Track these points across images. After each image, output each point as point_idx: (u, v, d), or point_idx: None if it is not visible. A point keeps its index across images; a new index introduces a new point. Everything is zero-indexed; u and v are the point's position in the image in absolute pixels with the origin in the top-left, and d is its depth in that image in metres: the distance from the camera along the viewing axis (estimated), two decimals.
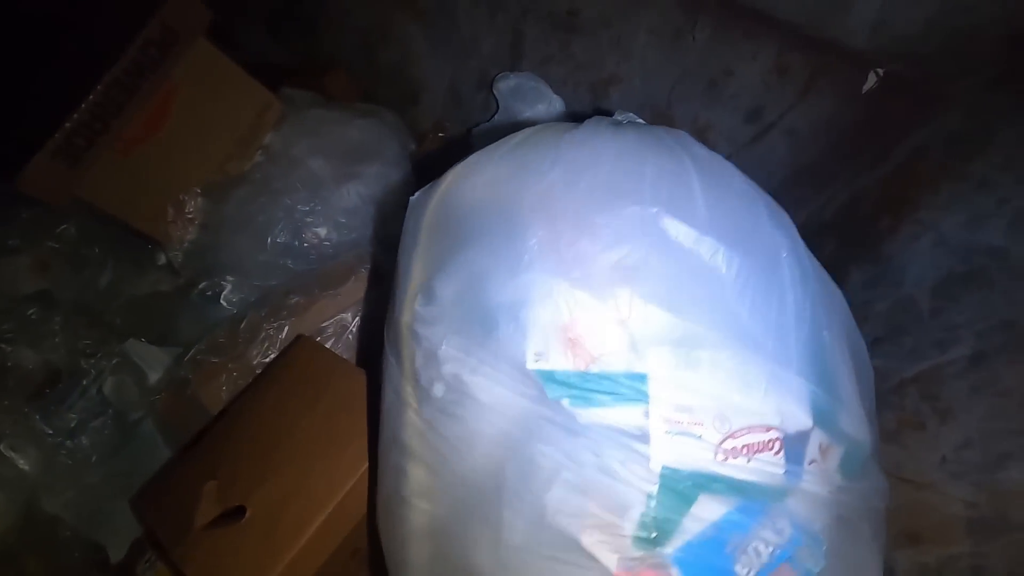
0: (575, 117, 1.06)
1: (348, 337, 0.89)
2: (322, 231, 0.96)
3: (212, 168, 0.94)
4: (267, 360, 0.83)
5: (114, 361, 0.88)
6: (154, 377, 0.88)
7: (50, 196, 0.80)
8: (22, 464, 0.80)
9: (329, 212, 0.96)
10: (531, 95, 1.05)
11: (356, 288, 0.91)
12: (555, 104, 1.04)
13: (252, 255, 0.94)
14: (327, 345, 0.89)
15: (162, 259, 1.07)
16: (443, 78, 1.25)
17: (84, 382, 0.86)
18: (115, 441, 0.85)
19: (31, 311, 0.83)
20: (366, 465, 0.59)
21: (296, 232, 0.94)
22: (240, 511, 0.58)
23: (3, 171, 0.78)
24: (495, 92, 1.11)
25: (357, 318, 0.90)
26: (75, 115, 0.78)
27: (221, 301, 0.96)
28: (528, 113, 1.04)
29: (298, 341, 0.74)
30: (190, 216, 0.94)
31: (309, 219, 0.95)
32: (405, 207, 0.62)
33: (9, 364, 0.80)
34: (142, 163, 0.87)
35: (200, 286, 0.95)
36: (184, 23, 0.85)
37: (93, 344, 0.88)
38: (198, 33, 0.87)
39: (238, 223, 0.93)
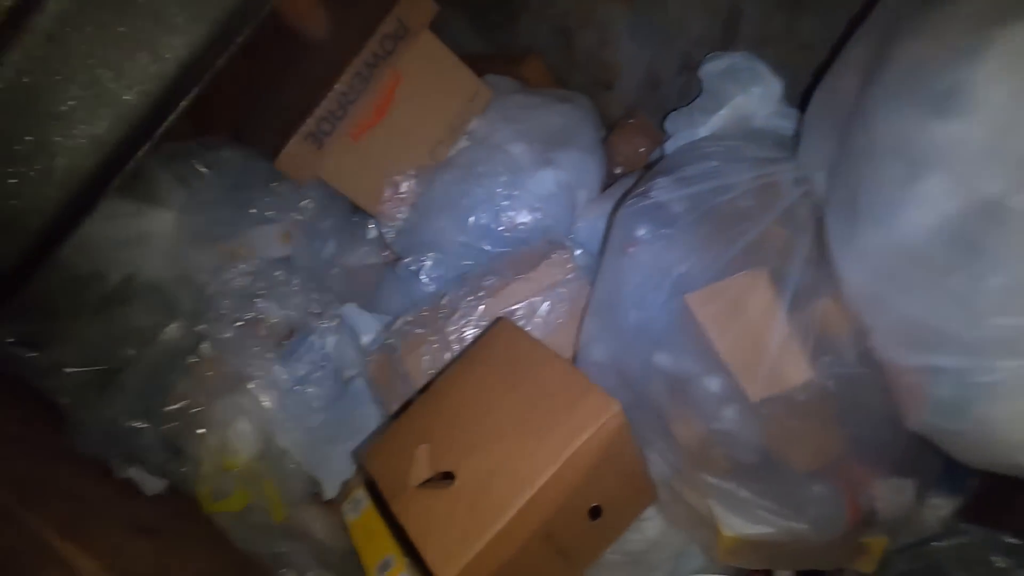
0: (793, 101, 0.96)
1: (536, 320, 0.91)
2: (518, 216, 0.98)
3: (424, 152, 1.01)
4: (464, 334, 0.88)
5: (335, 322, 1.00)
6: (366, 339, 0.98)
7: (298, 174, 0.92)
8: (265, 402, 0.95)
9: (526, 197, 0.98)
10: (745, 76, 0.96)
11: (547, 273, 0.92)
12: (773, 87, 0.94)
13: (453, 236, 0.99)
14: None
15: (372, 234, 1.19)
16: (640, 63, 1.20)
17: (311, 338, 0.99)
18: (333, 393, 0.96)
19: (278, 273, 0.97)
20: (568, 454, 0.59)
21: (495, 215, 0.97)
22: (449, 476, 0.61)
23: (266, 152, 0.92)
24: (701, 75, 1.04)
25: (547, 303, 0.91)
26: (324, 102, 0.88)
27: (422, 276, 1.03)
28: (740, 96, 0.96)
29: (499, 324, 0.77)
30: (403, 197, 1.02)
31: (507, 203, 0.98)
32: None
33: (261, 317, 0.94)
34: (368, 147, 0.97)
35: (405, 261, 1.04)
36: (414, 17, 0.91)
37: (320, 306, 1.00)
38: (424, 25, 0.93)
39: (443, 204, 0.99)
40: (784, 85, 0.94)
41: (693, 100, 1.08)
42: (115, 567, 0.45)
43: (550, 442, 0.60)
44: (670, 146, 1.01)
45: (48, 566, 0.40)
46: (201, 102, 0.63)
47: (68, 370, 0.87)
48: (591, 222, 1.06)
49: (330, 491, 0.91)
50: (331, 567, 0.79)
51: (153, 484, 0.80)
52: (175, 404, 0.87)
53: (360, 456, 0.67)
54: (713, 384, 0.66)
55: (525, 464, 0.59)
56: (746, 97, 0.96)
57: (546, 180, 1.01)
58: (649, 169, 1.04)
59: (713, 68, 1.01)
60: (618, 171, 1.25)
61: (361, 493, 0.92)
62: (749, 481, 0.69)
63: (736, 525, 0.72)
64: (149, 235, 0.95)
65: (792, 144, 0.85)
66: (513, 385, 0.66)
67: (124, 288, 0.93)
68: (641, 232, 0.83)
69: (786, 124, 0.94)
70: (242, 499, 0.86)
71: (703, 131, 0.97)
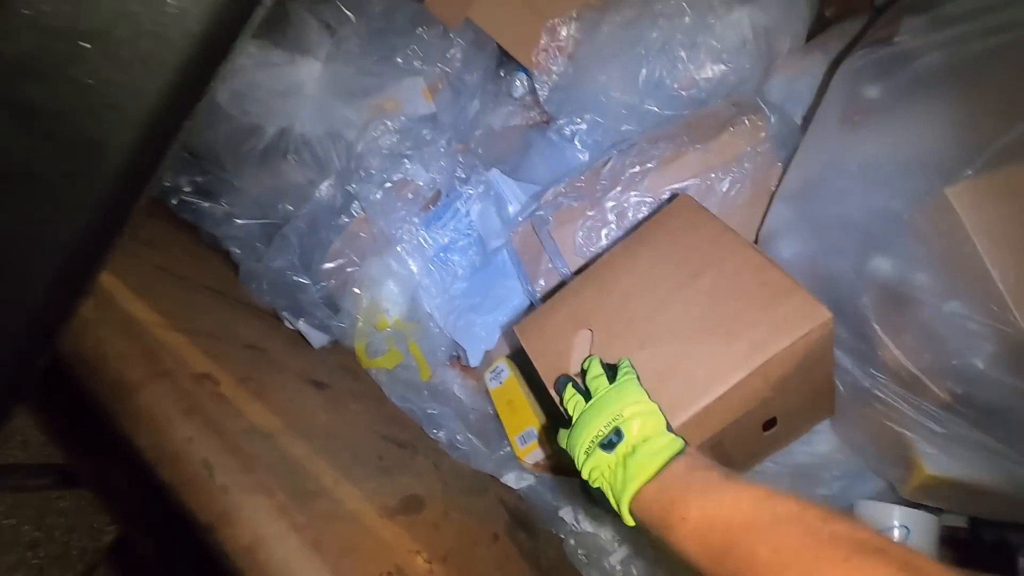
0: None
1: (712, 200, 0.77)
2: (700, 69, 0.80)
3: None
4: (626, 210, 0.78)
5: (480, 188, 0.94)
6: (512, 208, 0.91)
7: (449, 17, 0.81)
8: (411, 265, 0.94)
9: (712, 46, 0.80)
10: None
11: (732, 143, 0.77)
12: None
13: (617, 93, 0.85)
14: None
15: (519, 91, 1.07)
16: None
17: (457, 204, 0.94)
18: (476, 263, 0.93)
19: (424, 132, 0.91)
20: (761, 361, 0.50)
21: (670, 68, 0.81)
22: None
23: None
24: None
25: (728, 179, 0.77)
26: None
27: (575, 142, 0.92)
28: None
29: (679, 201, 0.65)
30: (561, 44, 0.88)
31: (687, 52, 0.81)
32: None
33: (408, 178, 0.90)
34: None
35: (558, 123, 0.93)
36: None
37: (466, 170, 0.94)
38: None
39: (608, 54, 0.84)
40: None
41: None
42: (290, 420, 0.47)
43: (739, 346, 0.51)
44: None
45: (228, 417, 0.42)
46: None
47: (239, 221, 0.92)
48: (791, 79, 0.85)
49: (473, 359, 0.91)
50: (475, 432, 0.81)
51: (318, 338, 0.84)
52: (331, 262, 0.89)
53: (516, 330, 0.63)
54: (968, 310, 0.51)
55: (705, 368, 0.52)
56: None
57: (740, 23, 0.80)
58: (881, 12, 0.79)
59: None
60: (829, 13, 0.98)
61: (503, 363, 0.92)
62: (978, 420, 0.56)
63: (941, 464, 0.61)
64: (300, 86, 0.91)
65: None
66: (694, 275, 0.57)
67: (280, 141, 0.93)
68: (874, 93, 0.63)
69: None
70: (394, 357, 0.89)
71: None
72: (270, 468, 0.41)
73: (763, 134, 0.75)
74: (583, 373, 0.56)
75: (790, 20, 0.84)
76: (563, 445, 0.53)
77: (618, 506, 0.45)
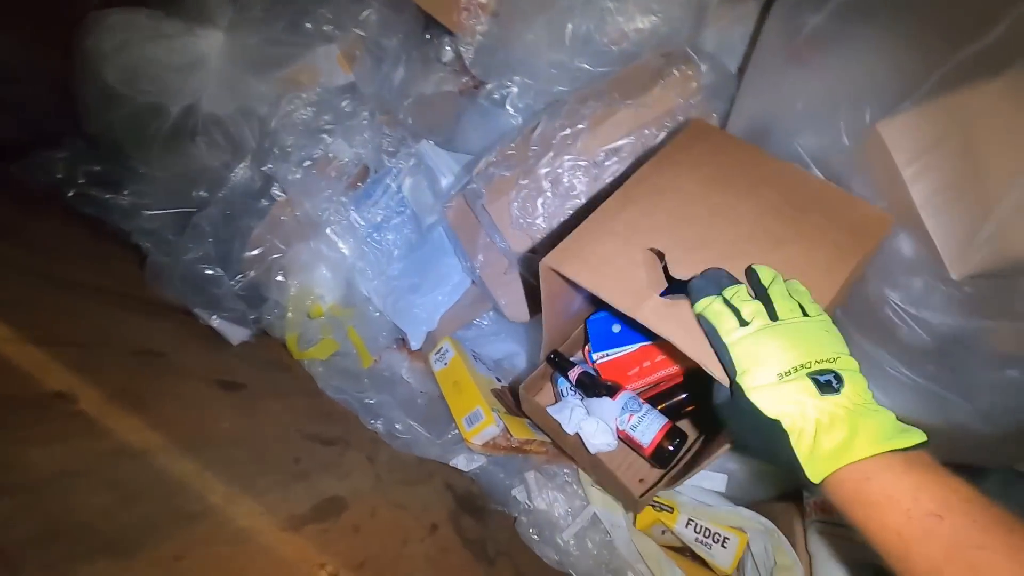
0: None
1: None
2: (629, 21, 0.76)
3: None
4: (560, 175, 0.74)
5: (411, 162, 0.88)
6: (444, 182, 0.87)
7: None
8: (342, 247, 0.89)
9: None
10: None
11: (662, 98, 0.73)
12: None
13: (545, 51, 0.80)
14: (620, 169, 0.76)
15: (447, 56, 1.01)
16: None
17: (387, 180, 0.89)
18: (413, 241, 0.89)
19: (344, 103, 0.84)
20: (852, 265, 0.49)
21: (599, 21, 0.76)
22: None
23: None
24: None
25: (662, 135, 0.73)
26: None
27: (507, 106, 0.87)
28: None
29: (695, 125, 0.64)
30: (482, 2, 0.82)
31: (614, 4, 0.76)
32: None
33: (330, 155, 0.84)
34: None
35: (487, 88, 0.87)
36: None
37: (394, 143, 0.88)
38: None
39: (533, 8, 0.79)
40: None
41: None
42: (178, 433, 0.41)
43: (826, 252, 0.50)
44: None
45: (87, 439, 0.36)
46: None
47: (147, 212, 0.85)
48: (724, 29, 0.81)
49: (415, 342, 0.87)
50: (418, 416, 0.77)
51: (237, 333, 0.78)
52: (253, 250, 0.83)
53: (549, 263, 0.53)
54: (902, 248, 0.49)
55: (817, 270, 0.49)
56: None
57: None
58: None
59: None
60: None
61: (447, 344, 0.88)
62: (910, 360, 0.55)
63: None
64: (203, 58, 0.84)
65: None
66: (751, 191, 0.54)
67: (187, 121, 0.85)
68: (818, 20, 0.60)
69: None
70: (329, 346, 0.84)
71: None
72: (136, 494, 0.35)
73: (695, 84, 0.72)
74: (727, 280, 0.47)
75: None
76: (726, 337, 0.43)
77: (810, 455, 0.38)
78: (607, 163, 0.73)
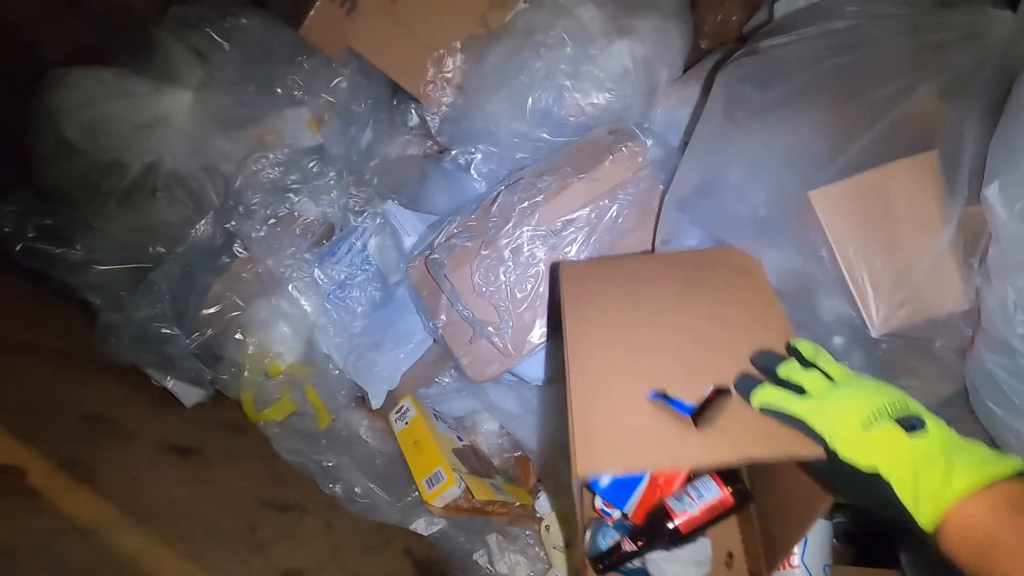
0: None
1: (602, 229, 0.78)
2: (585, 98, 0.82)
3: (475, 17, 0.85)
4: (520, 246, 0.77)
5: (377, 221, 0.90)
6: (409, 241, 0.88)
7: (328, 45, 0.78)
8: (305, 304, 0.88)
9: (595, 74, 0.82)
10: None
11: (613, 171, 0.78)
12: None
13: (507, 122, 0.85)
14: (578, 238, 0.79)
15: (413, 120, 1.05)
16: None
17: (352, 238, 0.90)
18: (377, 299, 0.89)
19: (311, 164, 0.86)
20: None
21: (557, 96, 0.82)
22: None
23: (291, 17, 0.77)
24: None
25: (615, 207, 0.78)
26: None
27: (471, 171, 0.91)
28: None
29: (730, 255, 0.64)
30: (448, 75, 0.87)
31: (571, 82, 0.82)
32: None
33: (296, 214, 0.85)
34: (408, 10, 0.81)
35: (452, 153, 0.91)
36: None
37: (360, 202, 0.90)
38: None
39: (495, 83, 0.84)
40: None
41: None
42: (127, 505, 0.40)
43: (754, 297, 0.54)
44: (782, 6, 0.80)
45: (31, 516, 0.34)
46: None
47: (98, 268, 0.82)
48: (670, 108, 0.88)
49: (375, 400, 0.86)
50: (377, 478, 0.76)
51: (191, 395, 0.76)
52: (210, 308, 0.81)
53: (577, 482, 0.49)
54: (827, 304, 0.54)
55: (764, 321, 0.51)
56: None
57: (620, 54, 0.83)
58: (744, 44, 0.84)
59: None
60: (704, 44, 1.04)
61: (408, 402, 0.87)
62: None
63: None
64: (168, 117, 0.84)
65: None
66: (658, 292, 0.58)
67: (147, 178, 0.84)
68: (752, 93, 0.65)
69: None
70: (286, 407, 0.82)
71: None
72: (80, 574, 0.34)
73: (641, 159, 0.77)
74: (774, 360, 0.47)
75: (666, 51, 0.88)
76: (800, 412, 0.43)
77: (914, 498, 0.38)
78: (564, 232, 0.77)
